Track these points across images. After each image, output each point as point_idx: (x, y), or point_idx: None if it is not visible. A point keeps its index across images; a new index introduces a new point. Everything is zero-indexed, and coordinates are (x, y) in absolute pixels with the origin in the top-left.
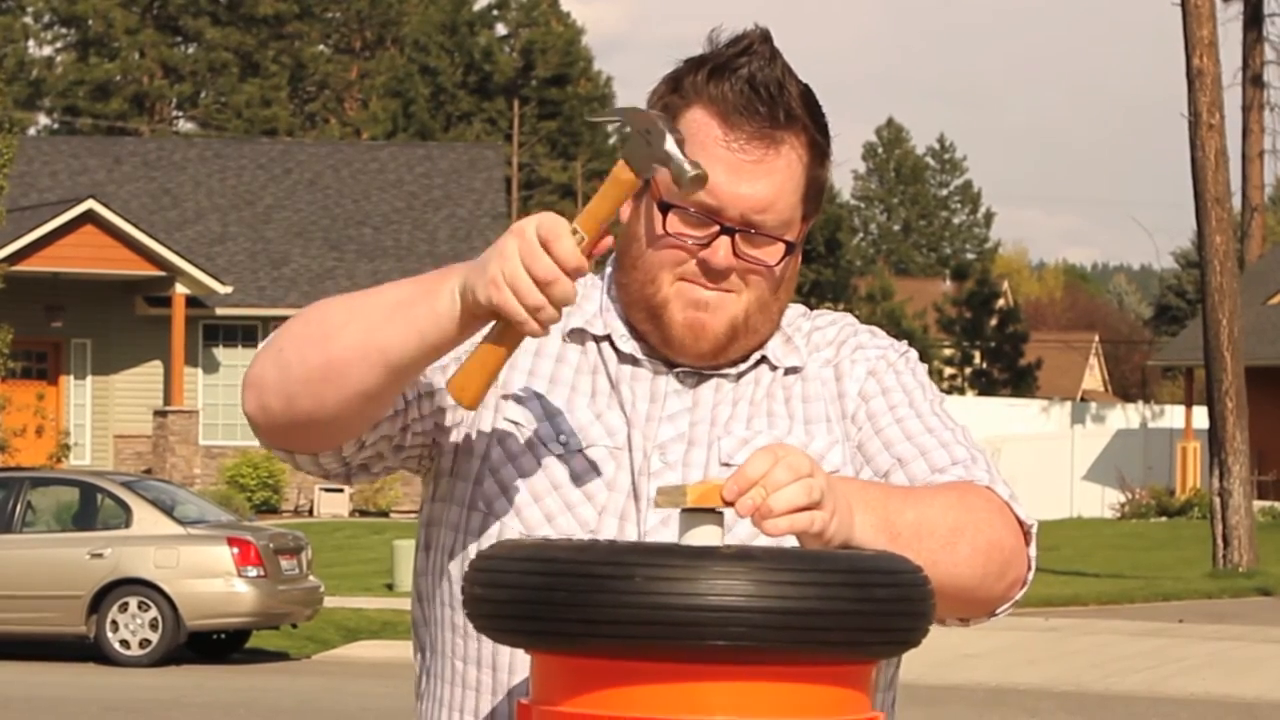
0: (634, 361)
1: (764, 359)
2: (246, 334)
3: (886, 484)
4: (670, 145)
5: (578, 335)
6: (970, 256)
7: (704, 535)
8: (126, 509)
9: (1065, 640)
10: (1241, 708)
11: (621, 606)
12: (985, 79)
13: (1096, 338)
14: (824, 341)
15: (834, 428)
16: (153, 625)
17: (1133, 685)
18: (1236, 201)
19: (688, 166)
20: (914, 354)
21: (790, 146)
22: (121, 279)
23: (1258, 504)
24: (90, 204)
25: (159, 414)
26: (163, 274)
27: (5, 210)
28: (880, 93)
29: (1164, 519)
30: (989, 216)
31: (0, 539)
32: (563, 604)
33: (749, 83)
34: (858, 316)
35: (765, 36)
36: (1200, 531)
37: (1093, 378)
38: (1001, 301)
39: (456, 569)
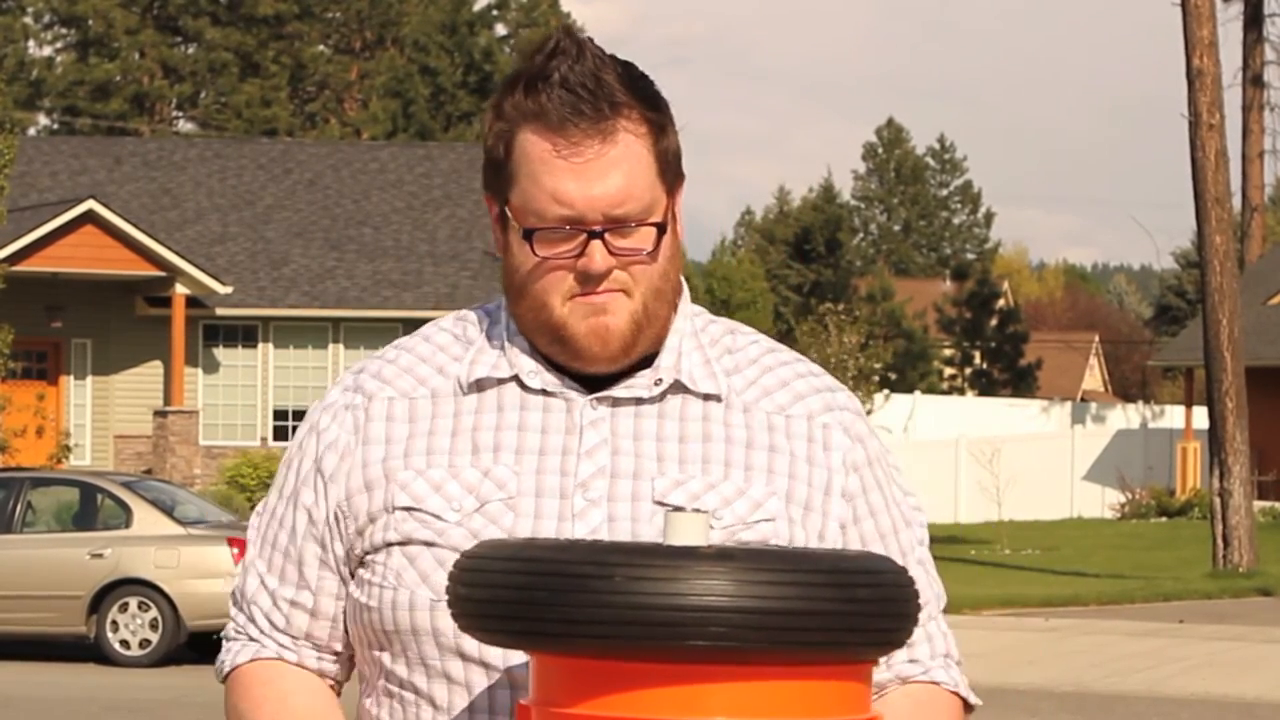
0: (545, 394)
1: (680, 385)
2: (247, 334)
3: None
4: None
5: (479, 385)
6: (970, 256)
7: (686, 535)
8: (126, 509)
9: (1065, 640)
10: (1241, 708)
11: (602, 606)
12: (985, 79)
13: (1096, 338)
14: (776, 384)
15: (775, 480)
16: (153, 625)
17: (1133, 685)
18: (1236, 202)
19: None
20: (875, 437)
21: (625, 131)
22: (121, 279)
23: (1258, 504)
24: (90, 204)
25: (159, 414)
26: (163, 274)
27: (5, 210)
28: (880, 93)
29: (1164, 519)
30: (989, 216)
31: (0, 539)
32: (544, 603)
33: (563, 86)
34: (857, 317)
35: (568, 31)
36: (1200, 532)
37: (1093, 378)
38: (1001, 302)
39: (372, 619)
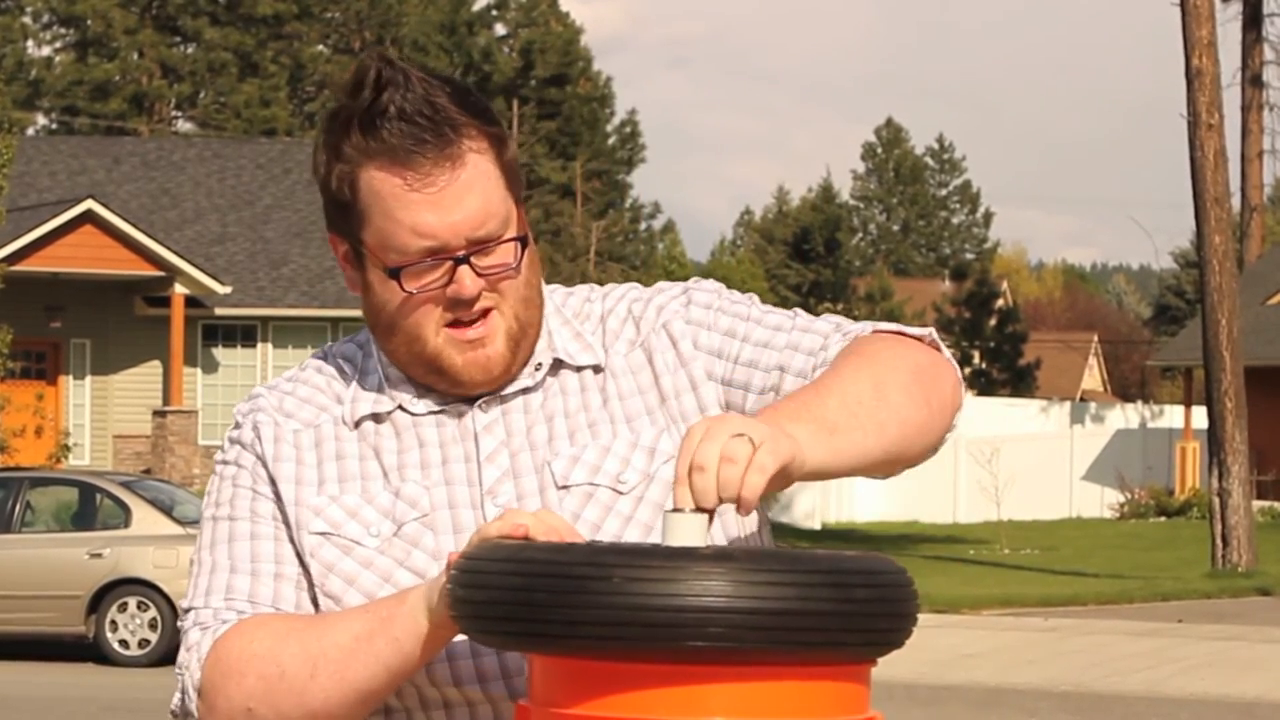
0: (433, 413)
1: (559, 362)
2: (246, 334)
3: (796, 393)
4: None
5: (370, 420)
6: (969, 256)
7: (685, 536)
8: (126, 509)
9: (1065, 640)
10: (1241, 708)
11: (600, 608)
12: (985, 79)
13: (1096, 338)
14: (619, 323)
15: (657, 417)
16: (152, 625)
17: (1132, 685)
18: (1236, 202)
19: None
20: (707, 282)
21: (469, 151)
22: (121, 279)
23: (1257, 504)
24: (89, 204)
25: (158, 414)
26: (162, 274)
27: (5, 210)
28: (880, 93)
29: (1163, 519)
30: (988, 216)
31: (0, 539)
32: (543, 605)
33: (401, 118)
34: (856, 317)
35: (387, 60)
36: (1199, 531)
37: (1092, 378)
38: (1001, 301)
39: None
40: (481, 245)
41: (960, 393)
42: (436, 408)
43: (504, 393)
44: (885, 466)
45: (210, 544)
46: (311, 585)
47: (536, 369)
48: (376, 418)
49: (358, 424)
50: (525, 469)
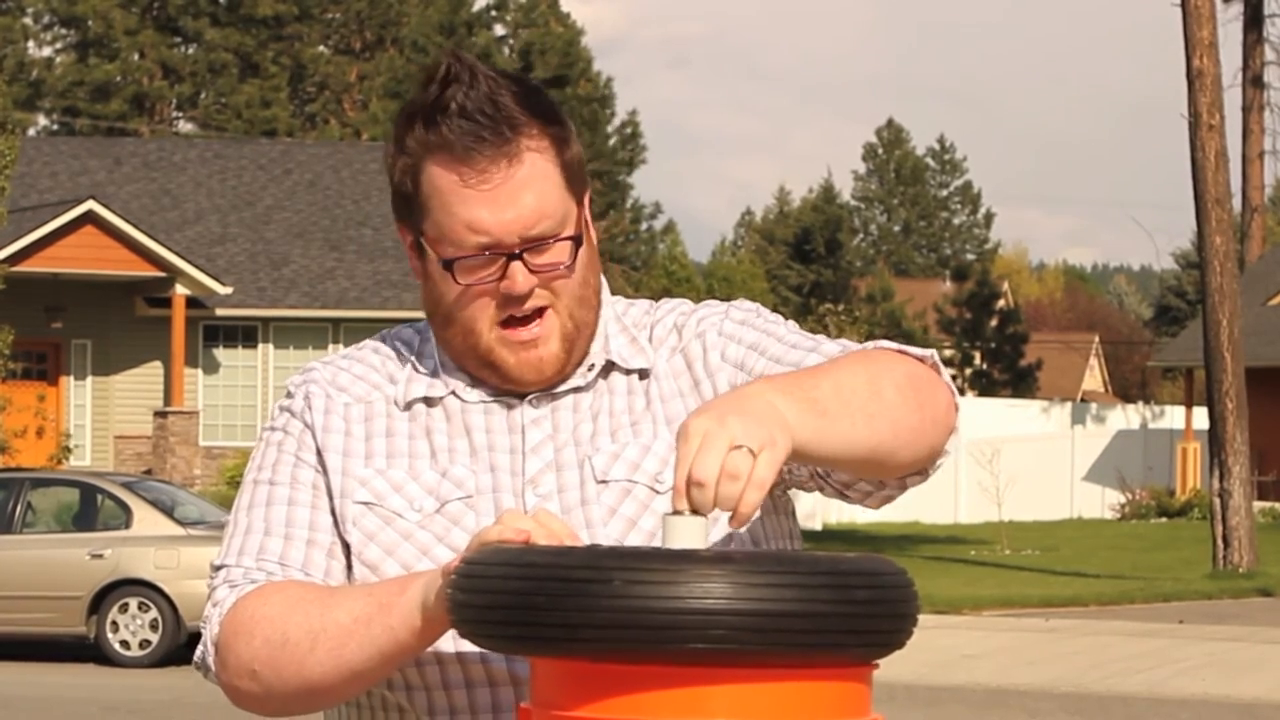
0: (485, 402)
1: (612, 364)
2: (247, 334)
3: (792, 372)
4: None
5: (422, 403)
6: (970, 257)
7: (685, 538)
8: (127, 510)
9: (1065, 641)
10: (1241, 709)
11: (601, 610)
12: (985, 79)
13: (1097, 338)
14: (665, 331)
15: None
16: (153, 626)
17: (1133, 686)
18: (1236, 202)
19: None
20: (748, 302)
21: (529, 150)
22: (121, 279)
23: (1258, 505)
24: (90, 205)
25: (159, 415)
26: (163, 274)
27: (6, 211)
28: (880, 93)
29: (1164, 520)
30: (989, 217)
31: (0, 540)
32: (543, 609)
33: (461, 115)
34: (857, 317)
35: (458, 56)
36: (1200, 532)
37: (1093, 378)
38: (1001, 302)
39: None
40: (535, 243)
41: (954, 416)
42: (489, 397)
43: (555, 390)
44: (871, 466)
45: (248, 506)
46: (347, 554)
47: (590, 369)
48: (428, 401)
49: (409, 405)
50: (568, 463)
